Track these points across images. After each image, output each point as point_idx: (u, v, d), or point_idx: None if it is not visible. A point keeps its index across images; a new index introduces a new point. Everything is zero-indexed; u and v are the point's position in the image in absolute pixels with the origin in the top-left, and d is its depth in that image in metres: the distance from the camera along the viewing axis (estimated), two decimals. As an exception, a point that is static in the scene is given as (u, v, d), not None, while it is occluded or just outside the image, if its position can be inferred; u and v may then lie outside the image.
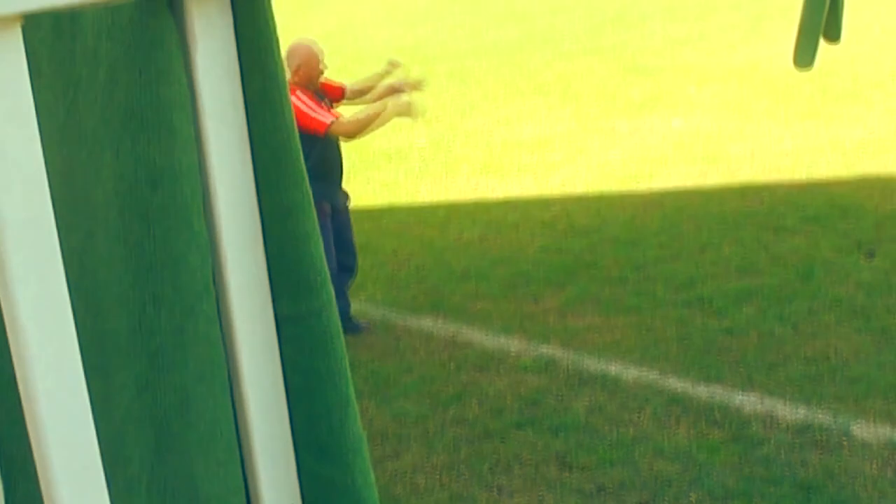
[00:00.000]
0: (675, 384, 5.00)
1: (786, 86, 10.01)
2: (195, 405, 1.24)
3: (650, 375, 5.10)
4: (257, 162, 1.23)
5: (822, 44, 3.86)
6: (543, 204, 7.88)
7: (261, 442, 1.27)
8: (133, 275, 1.23)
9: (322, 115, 5.41)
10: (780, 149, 8.56)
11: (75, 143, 1.26)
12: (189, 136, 1.19)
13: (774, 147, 8.63)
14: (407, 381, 5.29)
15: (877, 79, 10.28)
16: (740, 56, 11.86)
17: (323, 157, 5.49)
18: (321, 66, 5.57)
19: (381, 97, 5.79)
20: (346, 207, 5.86)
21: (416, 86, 6.08)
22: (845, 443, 4.38)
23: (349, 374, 1.29)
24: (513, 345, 5.59)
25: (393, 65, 6.24)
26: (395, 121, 5.82)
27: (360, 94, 5.97)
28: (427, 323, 5.97)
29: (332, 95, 5.80)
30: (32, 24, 1.04)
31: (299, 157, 1.24)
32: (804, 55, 3.83)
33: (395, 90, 5.83)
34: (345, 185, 5.87)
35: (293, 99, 5.03)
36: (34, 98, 1.03)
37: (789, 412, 4.66)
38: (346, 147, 5.79)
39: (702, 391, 4.91)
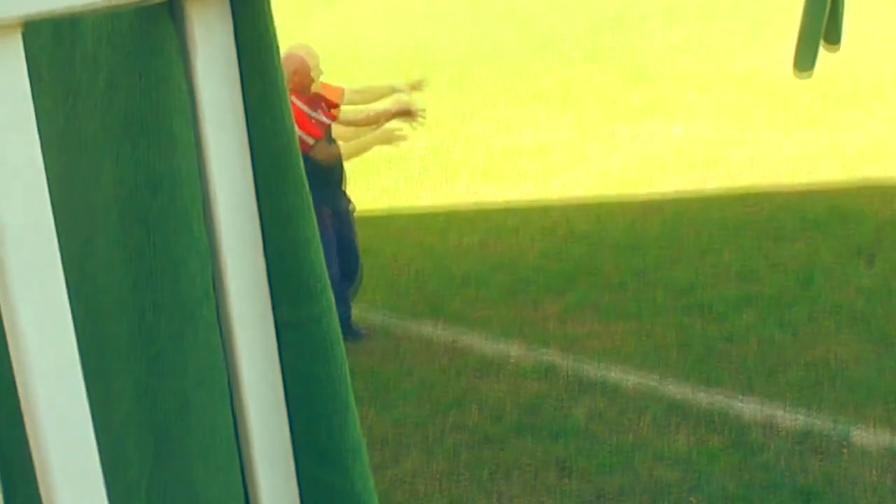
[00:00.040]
0: (675, 390, 5.00)
1: (785, 92, 10.01)
2: (195, 410, 1.24)
3: (650, 381, 5.10)
4: (257, 167, 1.23)
5: (822, 50, 3.88)
6: (543, 210, 7.88)
7: (260, 447, 1.27)
8: (133, 280, 1.23)
9: (304, 136, 5.34)
10: (779, 155, 8.57)
11: (75, 149, 1.26)
12: (189, 141, 1.19)
13: (774, 153, 8.63)
14: (407, 387, 5.28)
15: (877, 85, 10.28)
16: (740, 62, 11.86)
17: (322, 161, 5.48)
18: (313, 74, 5.53)
19: (377, 120, 5.78)
20: (349, 212, 5.83)
21: (417, 86, 6.08)
22: (845, 449, 4.38)
23: (349, 379, 1.29)
24: (513, 350, 5.59)
25: (414, 86, 6.22)
26: (395, 122, 5.82)
27: (353, 122, 5.91)
28: (427, 328, 5.97)
29: (329, 99, 5.77)
30: (32, 31, 1.04)
31: (299, 162, 1.24)
32: (804, 60, 3.85)
33: (390, 116, 5.81)
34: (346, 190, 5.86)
35: None
36: (34, 104, 1.03)
37: (789, 418, 4.66)
38: (346, 151, 5.79)
39: (702, 397, 4.91)
